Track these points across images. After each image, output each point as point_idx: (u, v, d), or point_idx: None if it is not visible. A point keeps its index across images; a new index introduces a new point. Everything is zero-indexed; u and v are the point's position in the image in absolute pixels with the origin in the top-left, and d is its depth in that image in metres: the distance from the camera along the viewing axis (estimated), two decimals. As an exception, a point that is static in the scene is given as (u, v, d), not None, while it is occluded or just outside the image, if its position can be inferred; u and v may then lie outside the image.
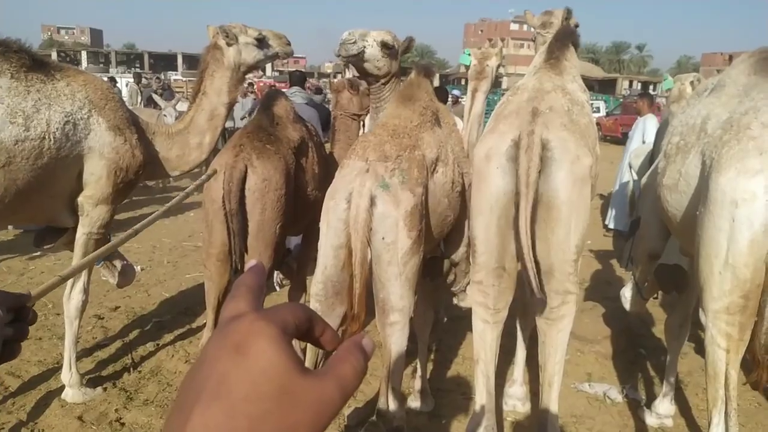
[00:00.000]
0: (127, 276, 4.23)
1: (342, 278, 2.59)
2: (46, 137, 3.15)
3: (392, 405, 2.62)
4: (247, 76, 4.56)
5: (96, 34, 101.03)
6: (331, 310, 2.67)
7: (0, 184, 3.03)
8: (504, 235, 2.47)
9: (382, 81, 3.37)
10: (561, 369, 2.55)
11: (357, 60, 3.26)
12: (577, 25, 3.67)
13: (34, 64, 3.25)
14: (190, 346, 4.56)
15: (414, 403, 3.74)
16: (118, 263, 4.14)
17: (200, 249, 6.96)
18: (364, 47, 3.22)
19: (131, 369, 4.16)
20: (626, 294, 3.79)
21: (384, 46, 3.28)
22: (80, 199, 3.47)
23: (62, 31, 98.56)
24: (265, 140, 3.31)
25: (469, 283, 3.80)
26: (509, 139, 2.46)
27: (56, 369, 4.00)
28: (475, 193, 2.61)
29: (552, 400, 2.54)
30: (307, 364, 2.77)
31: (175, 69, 51.34)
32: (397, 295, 2.56)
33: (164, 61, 58.82)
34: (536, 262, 2.39)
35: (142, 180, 3.78)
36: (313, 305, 2.69)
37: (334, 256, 2.59)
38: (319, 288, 2.66)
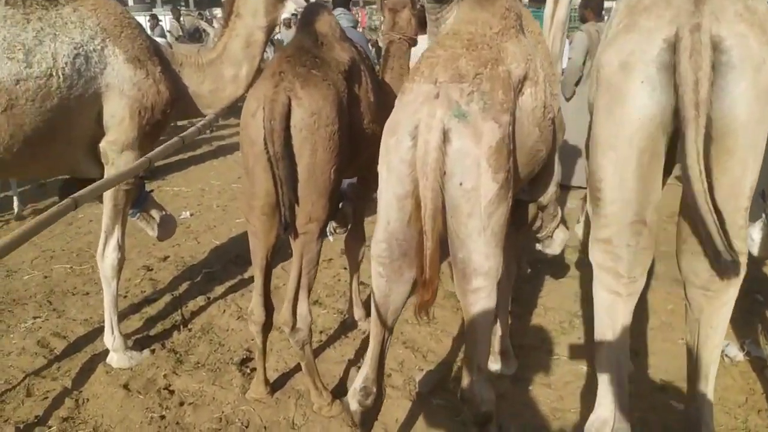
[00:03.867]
0: (167, 227, 3.83)
1: (410, 235, 2.03)
2: (54, 74, 2.68)
3: (478, 387, 2.12)
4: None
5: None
6: (399, 275, 2.14)
7: (4, 131, 2.61)
8: (647, 177, 1.82)
9: None
10: (719, 356, 1.95)
11: None
12: None
13: (33, -14, 2.74)
14: (241, 300, 4.19)
15: (494, 365, 3.24)
16: (156, 214, 3.74)
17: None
18: None
19: (181, 327, 3.85)
20: (754, 235, 3.09)
21: None
22: (102, 144, 3.02)
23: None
24: (309, 65, 2.68)
25: (557, 228, 3.21)
26: (660, 39, 1.76)
27: (103, 329, 3.71)
28: (604, 120, 1.94)
29: (708, 394, 1.94)
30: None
31: (219, 5, 50.54)
32: (481, 254, 2.00)
33: (210, -4, 57.96)
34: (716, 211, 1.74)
35: (171, 120, 3.29)
36: (375, 269, 2.17)
37: (399, 209, 2.03)
38: (381, 248, 2.11)
